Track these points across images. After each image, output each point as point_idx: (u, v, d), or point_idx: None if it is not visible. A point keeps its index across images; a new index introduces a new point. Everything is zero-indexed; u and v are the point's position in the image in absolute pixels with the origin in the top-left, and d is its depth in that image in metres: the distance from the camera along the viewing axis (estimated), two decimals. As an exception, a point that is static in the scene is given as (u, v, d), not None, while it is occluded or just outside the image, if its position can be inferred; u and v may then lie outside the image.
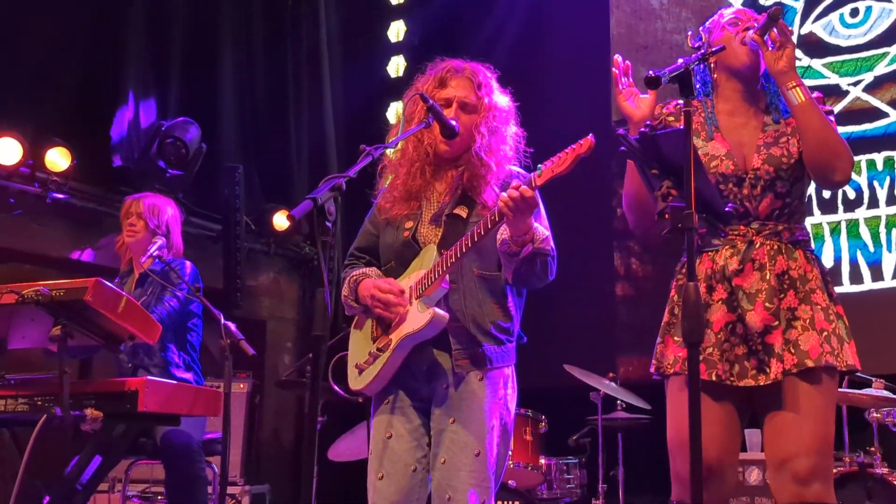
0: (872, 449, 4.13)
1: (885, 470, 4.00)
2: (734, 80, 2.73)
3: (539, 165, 2.55)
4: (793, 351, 2.52)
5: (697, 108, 2.78)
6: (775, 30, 2.56)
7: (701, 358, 2.60)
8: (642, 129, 2.38)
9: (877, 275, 5.70)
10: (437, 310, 2.67)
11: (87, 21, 6.04)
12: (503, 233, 2.65)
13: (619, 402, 5.32)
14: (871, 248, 5.73)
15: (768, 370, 2.54)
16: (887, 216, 5.72)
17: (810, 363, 2.49)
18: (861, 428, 4.23)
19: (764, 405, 2.60)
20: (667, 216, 2.30)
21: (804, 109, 2.56)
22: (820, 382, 2.52)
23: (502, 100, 2.90)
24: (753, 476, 4.82)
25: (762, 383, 2.55)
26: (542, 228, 2.70)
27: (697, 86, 2.79)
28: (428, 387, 2.79)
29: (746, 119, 2.72)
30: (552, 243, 2.73)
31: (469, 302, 2.74)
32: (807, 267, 2.61)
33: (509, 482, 5.01)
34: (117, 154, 6.06)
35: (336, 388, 3.58)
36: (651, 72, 2.25)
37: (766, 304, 2.56)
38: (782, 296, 2.57)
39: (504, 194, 2.52)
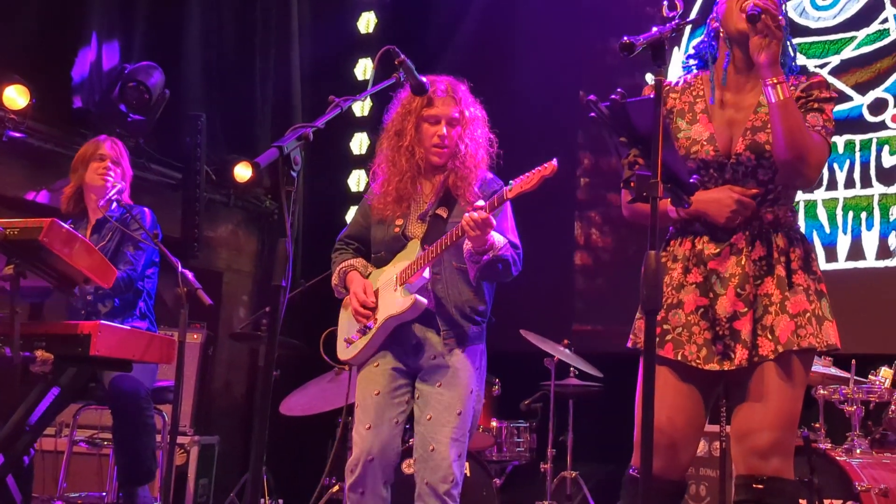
0: (817, 425, 4.21)
1: (829, 445, 4.08)
2: (736, 48, 2.64)
3: (511, 181, 3.03)
4: (770, 337, 2.54)
5: (691, 85, 2.74)
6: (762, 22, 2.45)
7: (669, 337, 2.65)
8: (612, 97, 2.36)
9: (831, 256, 5.78)
10: (417, 297, 3.16)
11: (51, -43, 5.89)
12: (467, 244, 3.12)
13: (572, 368, 5.38)
14: (828, 230, 5.80)
15: (733, 356, 2.56)
16: (844, 199, 5.79)
17: (780, 348, 2.52)
18: (808, 405, 4.30)
19: (734, 383, 2.63)
20: (632, 184, 2.31)
21: (780, 108, 2.47)
22: (791, 364, 2.55)
23: (477, 111, 3.39)
24: (699, 447, 4.90)
25: (726, 368, 2.57)
26: (499, 238, 3.15)
27: (693, 61, 2.75)
28: (414, 357, 3.28)
29: (741, 95, 2.67)
30: (511, 250, 3.20)
31: (451, 290, 3.25)
32: (788, 249, 2.61)
33: (460, 443, 5.05)
34: (78, 95, 5.92)
35: (326, 357, 4.20)
36: (626, 38, 2.23)
37: (738, 290, 2.58)
38: (758, 282, 2.58)
39: (466, 216, 2.99)
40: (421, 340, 3.26)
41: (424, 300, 3.16)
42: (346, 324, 3.41)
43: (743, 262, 2.59)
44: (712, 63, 2.71)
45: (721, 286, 2.60)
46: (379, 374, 3.28)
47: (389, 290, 3.25)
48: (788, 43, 2.66)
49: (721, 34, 2.67)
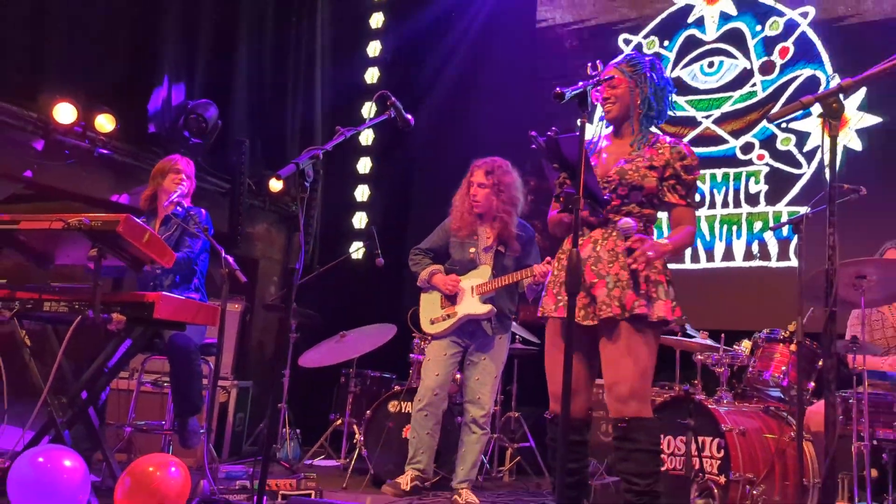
0: (696, 381, 4.22)
1: (703, 396, 4.09)
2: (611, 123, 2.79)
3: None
4: (617, 304, 2.56)
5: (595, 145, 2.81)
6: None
7: (562, 303, 2.66)
8: (548, 133, 2.37)
9: (710, 257, 5.83)
10: (492, 306, 3.81)
11: (135, 12, 5.82)
12: (529, 280, 3.73)
13: (517, 336, 5.36)
14: (708, 238, 5.86)
15: (592, 315, 2.60)
16: (721, 215, 5.85)
17: (627, 313, 2.53)
18: (689, 367, 4.32)
19: (603, 344, 2.63)
20: (561, 199, 2.31)
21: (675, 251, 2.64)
22: (639, 329, 2.56)
23: (509, 180, 3.91)
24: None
25: (592, 323, 2.59)
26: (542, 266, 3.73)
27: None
28: (470, 339, 3.92)
29: (618, 147, 2.75)
30: None
31: (499, 299, 3.87)
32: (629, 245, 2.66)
33: (432, 390, 5.01)
34: (152, 123, 5.86)
35: (411, 327, 4.49)
36: (558, 88, 2.23)
37: (592, 268, 2.61)
38: (610, 265, 2.60)
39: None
40: (477, 328, 3.88)
41: (494, 308, 3.81)
42: (429, 307, 3.96)
43: (597, 250, 2.63)
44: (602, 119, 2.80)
45: (582, 264, 2.61)
46: (448, 344, 3.90)
47: (467, 296, 3.86)
48: (669, 97, 2.74)
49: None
